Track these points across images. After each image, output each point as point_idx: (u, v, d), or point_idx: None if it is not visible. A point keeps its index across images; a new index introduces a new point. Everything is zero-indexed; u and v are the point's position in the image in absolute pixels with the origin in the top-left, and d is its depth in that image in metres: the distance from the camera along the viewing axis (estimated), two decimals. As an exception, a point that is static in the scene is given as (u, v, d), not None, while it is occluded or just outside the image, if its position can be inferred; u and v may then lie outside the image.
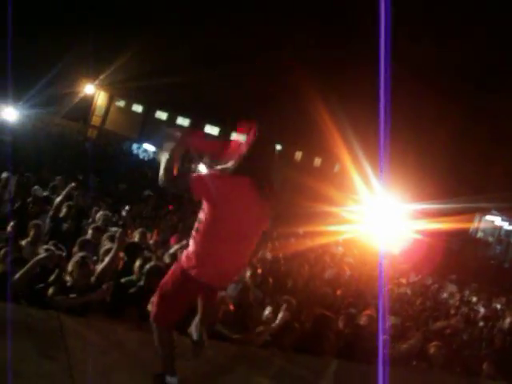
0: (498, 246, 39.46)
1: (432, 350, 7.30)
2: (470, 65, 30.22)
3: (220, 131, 42.22)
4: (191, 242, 3.94)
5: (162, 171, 3.88)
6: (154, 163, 28.59)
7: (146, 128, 45.61)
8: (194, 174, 3.89)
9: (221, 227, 3.81)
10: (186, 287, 3.93)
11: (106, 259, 6.19)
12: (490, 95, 30.26)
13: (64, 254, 6.77)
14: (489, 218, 40.22)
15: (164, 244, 9.75)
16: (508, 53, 30.22)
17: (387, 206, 19.09)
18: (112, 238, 7.42)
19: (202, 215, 3.89)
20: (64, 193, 9.65)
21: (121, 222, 10.52)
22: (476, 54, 29.71)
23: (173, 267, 4.07)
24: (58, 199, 9.51)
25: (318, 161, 43.90)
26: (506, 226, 39.80)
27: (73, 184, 10.08)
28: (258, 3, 36.43)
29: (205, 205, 3.86)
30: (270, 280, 8.53)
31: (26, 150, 16.05)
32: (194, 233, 3.94)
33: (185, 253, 3.97)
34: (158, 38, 34.45)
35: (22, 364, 3.90)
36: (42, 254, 5.90)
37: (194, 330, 4.38)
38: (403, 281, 13.25)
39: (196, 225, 3.94)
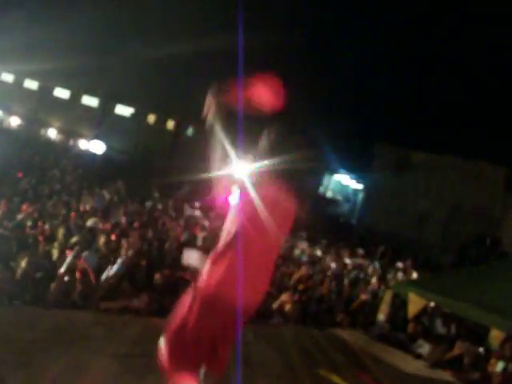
0: (347, 203, 41.43)
1: (287, 307, 7.61)
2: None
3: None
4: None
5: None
6: None
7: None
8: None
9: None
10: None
11: None
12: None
13: None
14: (337, 177, 42.14)
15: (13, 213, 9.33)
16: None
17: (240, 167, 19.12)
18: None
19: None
20: None
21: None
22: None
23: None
24: None
25: (170, 123, 43.49)
26: (353, 184, 41.86)
27: None
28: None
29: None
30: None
31: None
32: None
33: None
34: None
35: None
36: None
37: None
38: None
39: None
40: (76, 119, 40.42)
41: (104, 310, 5.94)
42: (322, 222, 25.67)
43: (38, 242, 7.67)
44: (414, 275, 13.45)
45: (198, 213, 14.94)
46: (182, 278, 7.06)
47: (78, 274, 6.12)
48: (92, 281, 6.34)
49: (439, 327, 9.89)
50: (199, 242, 10.98)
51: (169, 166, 27.73)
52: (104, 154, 36.02)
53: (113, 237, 8.69)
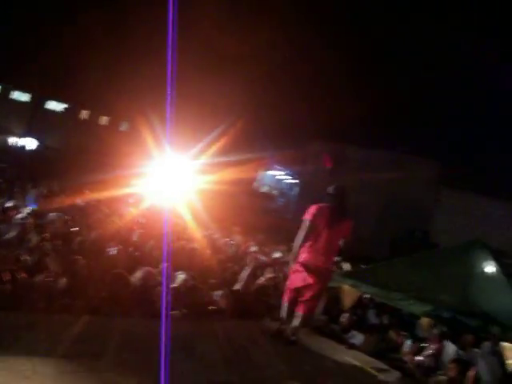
0: (281, 198, 41.84)
1: (223, 301, 7.65)
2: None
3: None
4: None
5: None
6: None
7: None
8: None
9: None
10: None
11: None
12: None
13: None
14: (271, 172, 42.55)
15: None
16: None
17: (174, 162, 19.15)
18: None
19: None
20: None
21: None
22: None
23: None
24: None
25: (104, 119, 43.01)
26: (287, 179, 42.35)
27: None
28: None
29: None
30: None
31: None
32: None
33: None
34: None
35: None
36: None
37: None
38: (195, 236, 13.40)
39: None
40: (5, 115, 39.29)
41: (41, 310, 5.81)
42: (257, 216, 25.85)
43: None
44: (348, 267, 13.67)
45: (132, 209, 14.81)
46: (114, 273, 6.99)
47: (6, 275, 5.97)
48: (22, 281, 6.17)
49: (372, 318, 10.15)
50: (135, 238, 10.92)
51: (102, 163, 27.40)
52: (36, 151, 35.23)
53: (46, 234, 8.56)
